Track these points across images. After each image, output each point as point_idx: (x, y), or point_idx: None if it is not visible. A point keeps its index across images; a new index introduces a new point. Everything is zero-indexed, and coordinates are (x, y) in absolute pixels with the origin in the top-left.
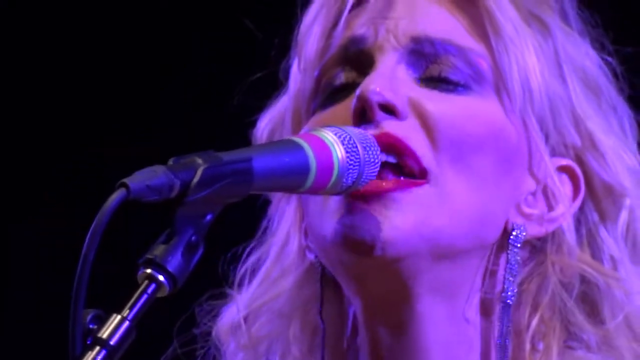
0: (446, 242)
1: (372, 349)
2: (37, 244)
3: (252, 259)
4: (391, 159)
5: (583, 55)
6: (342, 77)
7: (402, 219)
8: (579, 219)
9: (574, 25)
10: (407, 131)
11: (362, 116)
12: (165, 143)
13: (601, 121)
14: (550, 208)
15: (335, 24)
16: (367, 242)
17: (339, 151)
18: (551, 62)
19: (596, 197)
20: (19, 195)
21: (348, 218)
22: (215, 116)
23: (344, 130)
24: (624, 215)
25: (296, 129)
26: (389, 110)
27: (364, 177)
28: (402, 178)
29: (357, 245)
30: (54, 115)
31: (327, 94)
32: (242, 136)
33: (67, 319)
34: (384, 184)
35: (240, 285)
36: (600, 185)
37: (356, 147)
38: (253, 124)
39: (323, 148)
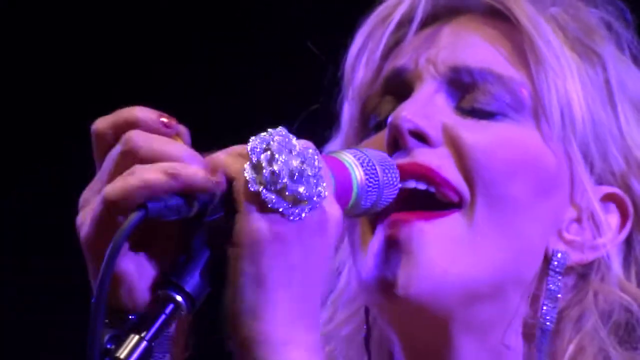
0: (476, 285)
1: None
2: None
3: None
4: (421, 186)
5: (638, 83)
6: (384, 108)
7: (427, 257)
8: (628, 247)
9: (628, 53)
10: (438, 159)
11: (395, 144)
12: None
13: None
14: (596, 236)
15: (381, 54)
16: (389, 281)
17: (358, 173)
18: (600, 91)
19: None
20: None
21: (377, 255)
22: (215, 115)
23: (363, 153)
24: None
25: None
26: (421, 137)
27: (382, 199)
28: (431, 212)
29: (381, 283)
30: (52, 113)
31: (371, 125)
32: (242, 136)
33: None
34: (415, 214)
35: None
36: None
37: (375, 169)
38: (254, 122)
39: (342, 170)
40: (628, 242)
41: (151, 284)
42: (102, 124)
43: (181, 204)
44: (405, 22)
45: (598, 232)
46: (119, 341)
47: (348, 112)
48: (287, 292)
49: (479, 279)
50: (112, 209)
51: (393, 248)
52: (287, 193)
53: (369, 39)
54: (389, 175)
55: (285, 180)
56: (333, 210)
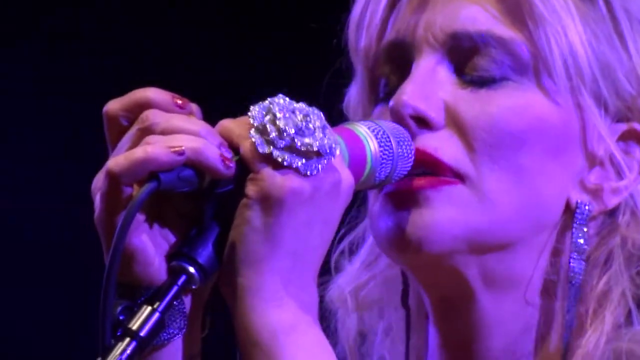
0: (488, 239)
1: (439, 335)
2: None
3: (349, 239)
4: (417, 170)
5: None
6: (387, 77)
7: (432, 217)
8: None
9: None
10: (439, 142)
11: None
12: None
13: None
14: (618, 179)
15: (382, 16)
16: (402, 240)
17: (372, 145)
18: (605, 26)
19: None
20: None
21: (388, 218)
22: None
23: (377, 124)
24: None
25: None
26: (422, 121)
27: (397, 171)
28: (435, 177)
29: (395, 243)
30: None
31: (376, 93)
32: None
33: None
34: (417, 181)
35: (337, 267)
36: None
37: (390, 141)
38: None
39: (356, 141)
40: None
41: (165, 257)
42: (114, 105)
43: (193, 175)
44: None
45: (619, 174)
46: (131, 312)
47: (358, 74)
48: (290, 248)
49: (491, 235)
50: (116, 182)
51: (400, 210)
52: (298, 147)
53: (369, 1)
54: (403, 147)
55: (292, 135)
56: (346, 176)
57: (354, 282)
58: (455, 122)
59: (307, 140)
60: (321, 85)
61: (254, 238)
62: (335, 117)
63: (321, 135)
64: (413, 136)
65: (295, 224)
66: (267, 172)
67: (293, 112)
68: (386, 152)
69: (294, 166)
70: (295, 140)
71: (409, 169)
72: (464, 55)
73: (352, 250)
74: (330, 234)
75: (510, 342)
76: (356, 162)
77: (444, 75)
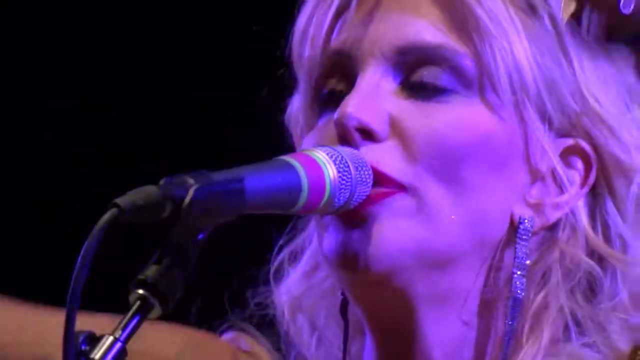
0: (435, 252)
1: (376, 352)
2: None
3: (290, 249)
4: None
5: None
6: (333, 86)
7: (379, 232)
8: (594, 198)
9: None
10: (382, 154)
11: (345, 140)
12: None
13: (609, 91)
14: (559, 193)
15: (327, 28)
16: (351, 258)
17: (330, 171)
18: (551, 42)
19: (607, 172)
20: None
21: (338, 235)
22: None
23: (335, 150)
24: (634, 190)
25: (309, 127)
26: (367, 133)
27: (355, 196)
28: (378, 192)
29: (344, 261)
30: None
31: (322, 102)
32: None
33: None
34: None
35: (277, 273)
36: (610, 158)
37: (348, 166)
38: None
39: (315, 168)
40: (593, 193)
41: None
42: None
43: (154, 204)
44: None
45: (561, 189)
46: (93, 342)
47: (301, 85)
48: None
49: (436, 247)
50: None
51: (347, 229)
52: None
53: (314, 16)
54: (361, 172)
55: None
56: None
57: (292, 291)
58: (399, 135)
59: None
60: (261, 98)
61: None
62: (279, 129)
63: None
64: (357, 148)
65: None
66: None
67: None
68: (345, 178)
69: None
70: None
71: (367, 193)
72: (411, 67)
73: (291, 260)
74: None
75: (448, 358)
76: (315, 188)
77: (389, 87)
